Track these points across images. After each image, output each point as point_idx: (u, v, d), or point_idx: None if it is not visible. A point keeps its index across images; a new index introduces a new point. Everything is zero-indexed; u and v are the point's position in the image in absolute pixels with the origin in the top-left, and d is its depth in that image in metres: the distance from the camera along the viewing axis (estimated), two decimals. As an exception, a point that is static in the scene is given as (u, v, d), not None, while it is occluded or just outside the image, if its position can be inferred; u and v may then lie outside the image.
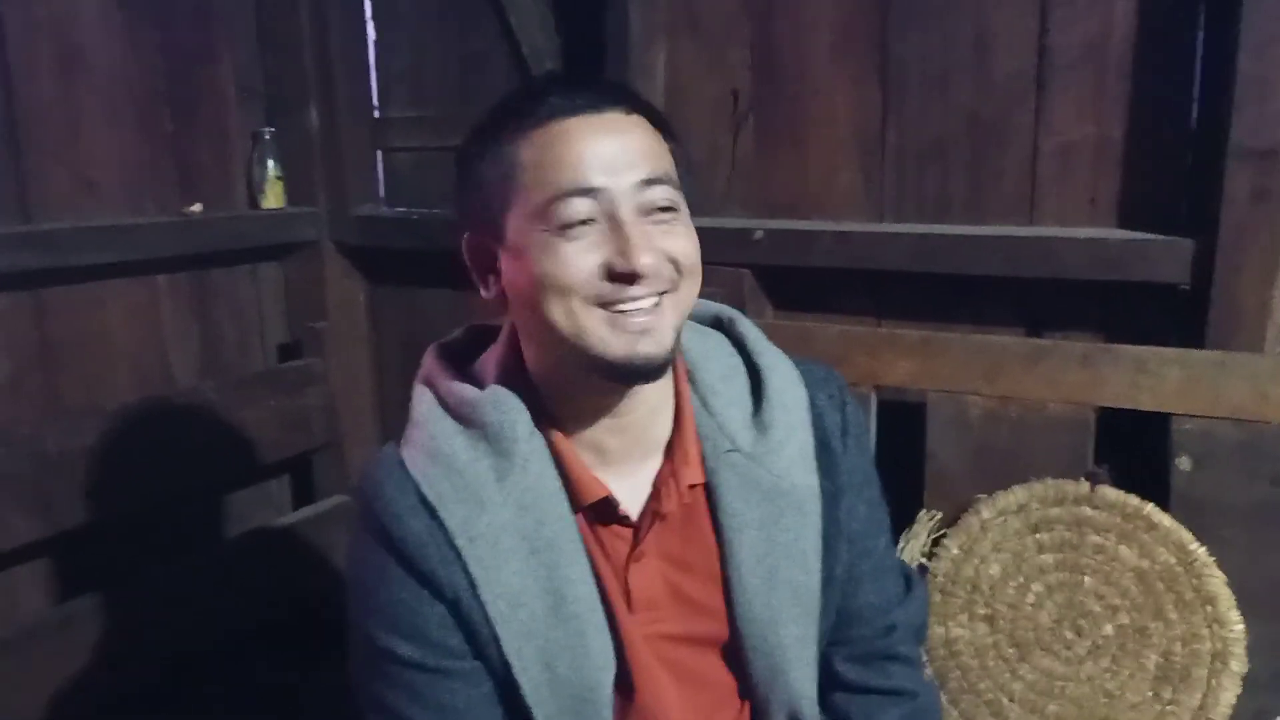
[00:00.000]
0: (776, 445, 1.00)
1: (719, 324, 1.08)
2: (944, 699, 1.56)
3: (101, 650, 1.78)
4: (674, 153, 0.96)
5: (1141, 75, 1.60)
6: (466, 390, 0.97)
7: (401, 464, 0.96)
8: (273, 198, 2.29)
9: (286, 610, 2.11)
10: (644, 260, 0.88)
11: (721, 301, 1.11)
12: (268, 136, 2.27)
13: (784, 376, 1.03)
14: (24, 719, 1.66)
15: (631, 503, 0.99)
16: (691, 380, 1.02)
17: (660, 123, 0.95)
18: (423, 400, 1.00)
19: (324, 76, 2.27)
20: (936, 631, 1.56)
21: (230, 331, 2.27)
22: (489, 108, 0.96)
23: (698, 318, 1.07)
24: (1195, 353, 1.50)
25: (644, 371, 0.91)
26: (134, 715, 1.86)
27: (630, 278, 0.88)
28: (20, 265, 1.79)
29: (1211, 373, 1.47)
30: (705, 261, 0.96)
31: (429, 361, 1.04)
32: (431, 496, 0.93)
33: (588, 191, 0.88)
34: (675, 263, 0.91)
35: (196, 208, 2.15)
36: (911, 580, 1.15)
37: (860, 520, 1.05)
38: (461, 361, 1.03)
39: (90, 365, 1.99)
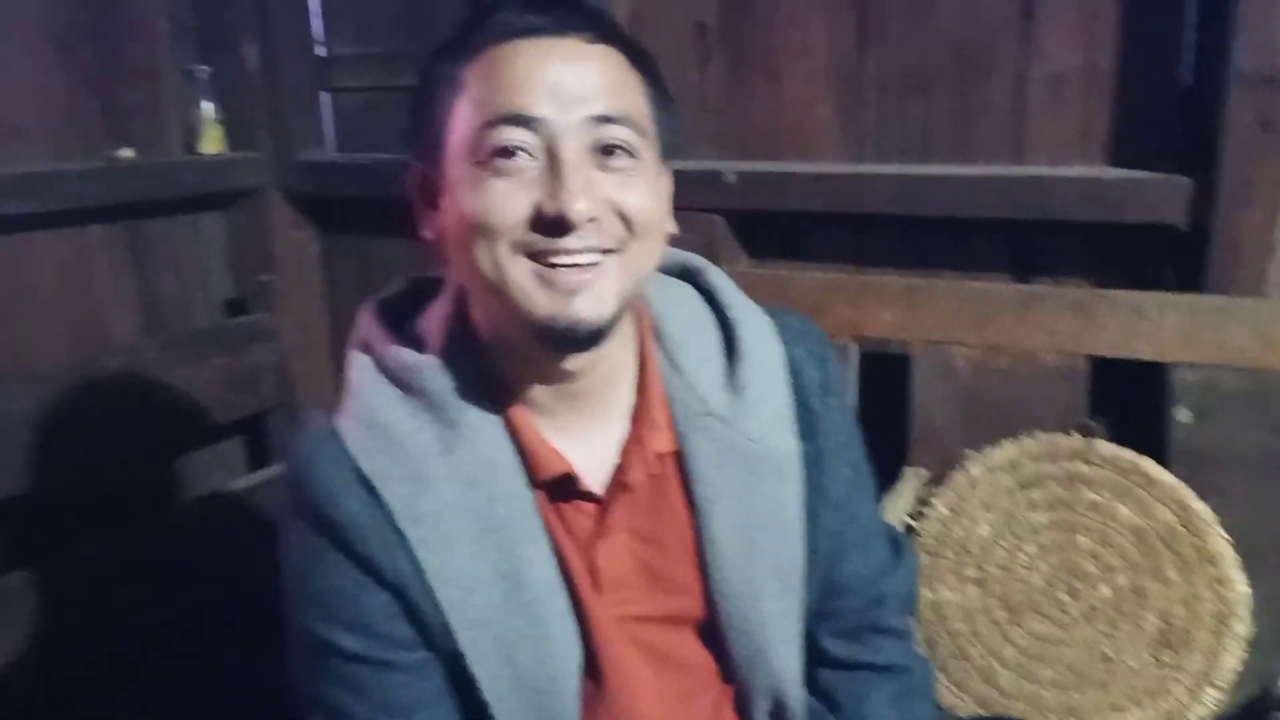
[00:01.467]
0: (752, 406, 0.91)
1: (686, 274, 0.99)
2: (934, 666, 1.51)
3: (41, 629, 1.68)
4: (651, 95, 0.85)
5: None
6: (406, 353, 0.87)
7: (335, 436, 0.86)
8: (211, 142, 2.14)
9: (239, 582, 2.02)
10: (577, 206, 0.77)
11: (691, 250, 1.00)
12: (203, 75, 2.12)
13: (759, 331, 0.94)
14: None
15: (595, 474, 0.90)
16: (658, 336, 0.93)
17: (637, 58, 0.85)
18: (359, 366, 0.89)
19: (262, 9, 2.11)
20: (924, 595, 1.49)
21: (171, 287, 2.14)
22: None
23: (663, 268, 0.96)
24: (1195, 297, 1.42)
25: (573, 338, 0.81)
26: (77, 698, 1.77)
27: (559, 225, 0.77)
28: (-66, 217, 1.65)
29: (1213, 318, 1.39)
30: (674, 207, 0.86)
31: (364, 321, 0.93)
32: (370, 472, 0.84)
33: (523, 120, 0.78)
34: (625, 218, 0.80)
35: (128, 153, 2.00)
36: (900, 546, 1.08)
37: (844, 484, 0.98)
38: (402, 319, 0.92)
39: (18, 325, 1.86)
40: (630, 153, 0.81)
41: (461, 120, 0.80)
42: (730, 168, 1.72)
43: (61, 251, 1.92)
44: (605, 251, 0.80)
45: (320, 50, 2.20)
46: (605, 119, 0.79)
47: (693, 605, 0.94)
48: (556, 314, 0.79)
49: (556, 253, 0.79)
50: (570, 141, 0.79)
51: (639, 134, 0.82)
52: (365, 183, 2.13)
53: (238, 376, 2.08)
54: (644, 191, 0.82)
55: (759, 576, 0.92)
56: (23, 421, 1.71)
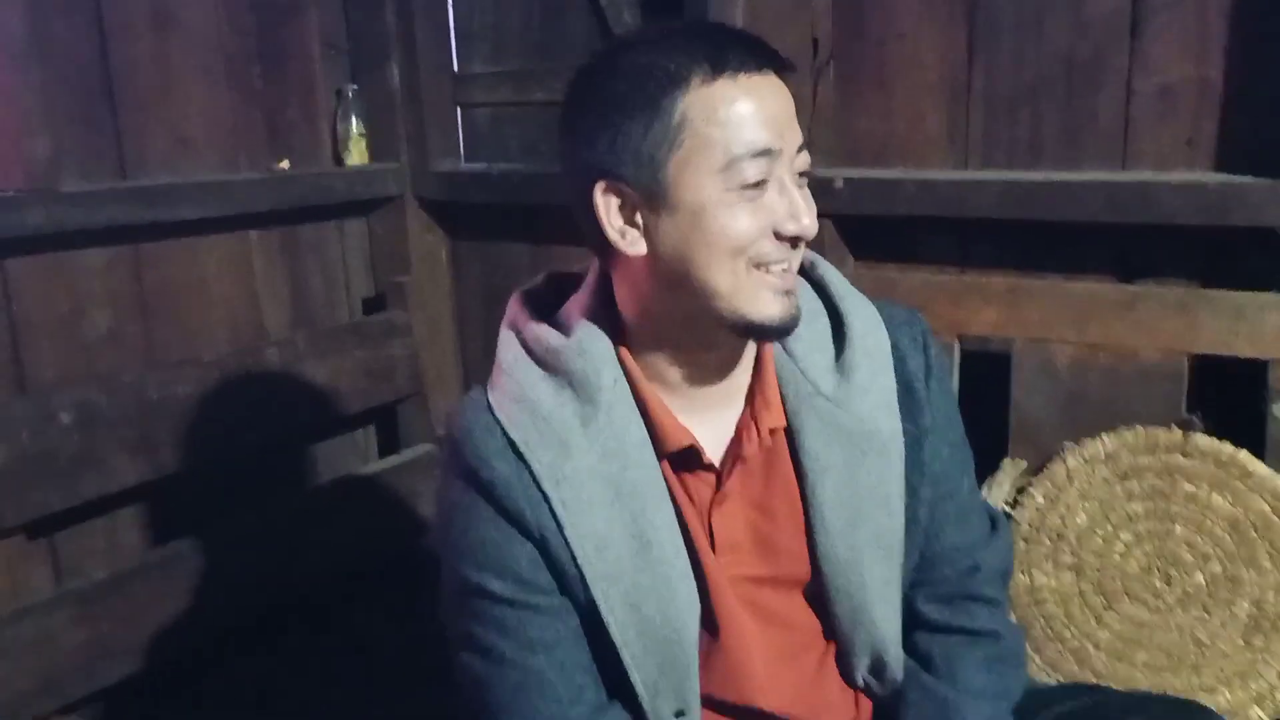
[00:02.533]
0: (859, 389, 0.99)
1: (800, 268, 1.06)
2: (1028, 646, 1.55)
3: (196, 592, 1.84)
4: None
5: (1242, 13, 1.54)
6: (551, 336, 0.98)
7: (489, 408, 0.97)
8: (357, 154, 2.33)
9: (371, 557, 2.17)
10: (808, 223, 0.89)
11: None
12: (351, 94, 2.31)
13: (866, 320, 1.02)
14: (122, 656, 1.74)
15: (714, 447, 0.99)
16: None
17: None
18: (509, 346, 1.01)
19: (405, 33, 2.30)
20: (1021, 579, 1.55)
21: (318, 285, 2.33)
22: (617, 51, 0.92)
23: None
24: (1299, 298, 1.45)
25: (788, 330, 0.93)
26: (227, 657, 1.94)
27: (796, 241, 0.90)
28: (120, 220, 1.85)
29: (1314, 318, 1.43)
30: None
31: (513, 308, 1.04)
32: (519, 440, 0.95)
33: (765, 153, 0.88)
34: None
35: (285, 164, 2.20)
36: (997, 522, 1.14)
37: (943, 462, 1.05)
38: (544, 308, 1.03)
39: (187, 316, 2.06)
40: (808, 172, 0.93)
41: (698, 151, 0.88)
42: (839, 174, 1.82)
43: (225, 252, 2.12)
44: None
45: (455, 69, 2.37)
46: (802, 147, 0.92)
47: (799, 569, 1.02)
48: (782, 314, 0.92)
49: (782, 262, 0.91)
50: (790, 169, 0.91)
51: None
52: (490, 190, 2.29)
53: (374, 368, 2.25)
54: (813, 202, 0.93)
55: (861, 544, 1.00)
56: (189, 403, 1.89)
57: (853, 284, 1.06)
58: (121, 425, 1.79)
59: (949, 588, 1.08)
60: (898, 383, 1.01)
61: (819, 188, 1.79)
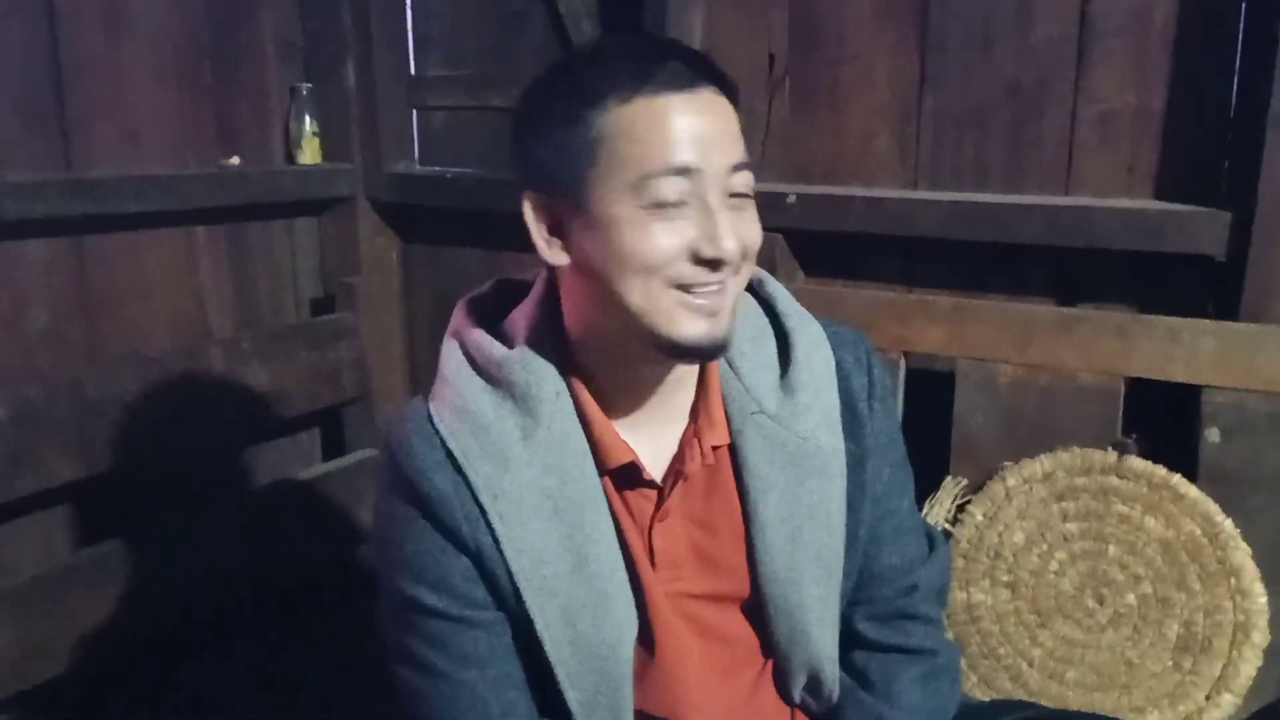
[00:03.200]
0: (803, 408, 1.00)
1: (748, 286, 1.06)
2: (963, 663, 1.58)
3: (129, 594, 1.82)
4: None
5: (1183, 45, 1.58)
6: (495, 348, 0.97)
7: (429, 418, 0.97)
8: (309, 153, 2.31)
9: (311, 563, 2.14)
10: (730, 247, 0.87)
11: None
12: (305, 92, 2.29)
13: (811, 339, 1.02)
14: (52, 656, 1.71)
15: (656, 463, 0.99)
16: None
17: (738, 101, 0.93)
18: (451, 356, 1.00)
19: (362, 34, 2.28)
20: (958, 596, 1.57)
21: (265, 284, 2.31)
22: (559, 64, 0.94)
23: None
24: (1229, 324, 1.49)
25: (709, 353, 0.92)
26: (158, 661, 1.91)
27: (715, 264, 0.87)
28: (64, 212, 1.82)
29: (1245, 345, 1.47)
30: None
31: (458, 316, 1.04)
32: (457, 453, 0.94)
33: (684, 171, 0.86)
34: (745, 248, 0.90)
35: (235, 161, 2.17)
36: (934, 541, 1.15)
37: (884, 482, 1.06)
38: (491, 317, 1.03)
39: (129, 314, 2.03)
40: (748, 194, 0.91)
41: (614, 164, 0.87)
42: (792, 190, 1.83)
43: (170, 248, 2.09)
44: (728, 278, 0.90)
45: (411, 71, 2.36)
46: (738, 166, 0.89)
47: (739, 586, 1.02)
48: (700, 335, 0.90)
49: (702, 284, 0.89)
50: (716, 188, 0.88)
51: (752, 173, 0.92)
52: (444, 194, 2.28)
53: (320, 370, 2.22)
54: (755, 224, 0.93)
55: (801, 562, 1.01)
56: (129, 402, 1.85)
57: (802, 300, 1.06)
58: (59, 423, 1.76)
59: (886, 606, 1.09)
60: (841, 402, 1.02)
61: (770, 202, 1.82)
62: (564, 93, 0.90)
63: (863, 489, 1.03)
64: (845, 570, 1.04)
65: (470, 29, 2.27)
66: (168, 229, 2.07)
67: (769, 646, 1.05)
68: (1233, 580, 1.42)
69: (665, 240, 0.87)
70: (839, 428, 1.02)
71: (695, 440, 0.99)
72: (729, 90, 0.91)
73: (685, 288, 0.89)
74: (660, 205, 0.87)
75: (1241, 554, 1.42)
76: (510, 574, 0.95)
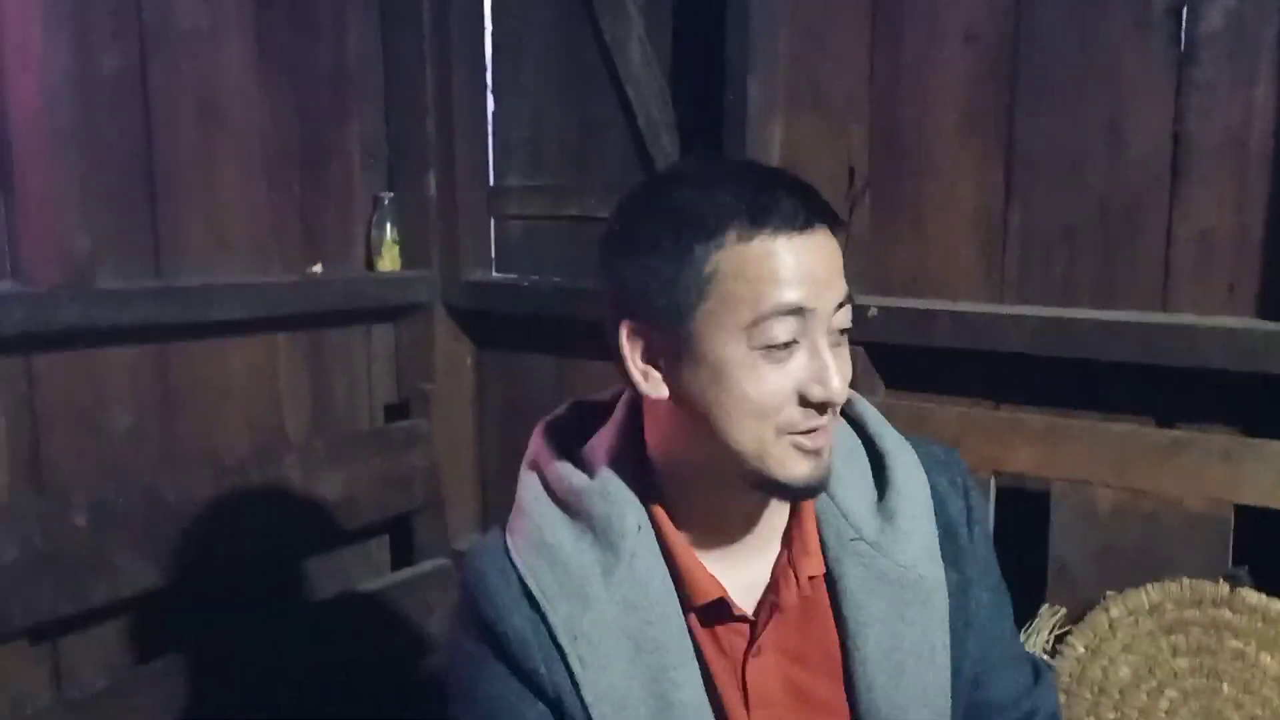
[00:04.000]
0: (903, 534, 0.96)
1: None
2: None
3: (195, 704, 1.78)
4: None
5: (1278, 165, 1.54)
6: (574, 478, 0.95)
7: (506, 553, 0.94)
8: (388, 260, 2.35)
9: (378, 675, 2.10)
10: (838, 388, 0.85)
11: None
12: (387, 201, 2.34)
13: (907, 462, 0.99)
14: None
15: (748, 594, 0.96)
16: None
17: (839, 234, 0.91)
18: (529, 487, 0.98)
19: (444, 143, 2.33)
20: (1060, 735, 1.48)
21: (341, 389, 2.32)
22: (661, 188, 0.91)
23: None
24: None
25: (814, 492, 0.90)
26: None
27: (824, 407, 0.86)
28: (153, 319, 1.86)
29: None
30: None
31: (536, 443, 1.01)
32: (535, 590, 0.91)
33: (796, 312, 0.84)
34: (847, 385, 0.89)
35: (318, 268, 2.21)
36: (1039, 668, 1.10)
37: (986, 607, 1.01)
38: (569, 442, 1.00)
39: (209, 416, 2.04)
40: (849, 327, 0.89)
41: (727, 302, 0.84)
42: (874, 303, 1.81)
43: (251, 353, 2.12)
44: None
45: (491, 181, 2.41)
46: (842, 304, 0.88)
47: None
48: (808, 476, 0.88)
49: (814, 429, 0.87)
50: (823, 327, 0.86)
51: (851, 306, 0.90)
52: (521, 302, 2.29)
53: (392, 476, 2.21)
54: (850, 361, 0.90)
55: (906, 701, 0.95)
56: (203, 506, 1.86)
57: (886, 413, 1.03)
58: (134, 526, 1.76)
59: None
60: (939, 527, 0.98)
61: (858, 318, 1.79)
62: (670, 223, 0.87)
63: (966, 619, 0.98)
64: (952, 709, 0.98)
65: (549, 139, 2.31)
66: (250, 335, 2.09)
67: None
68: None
69: (776, 384, 0.85)
70: (939, 555, 0.97)
71: (790, 570, 0.95)
72: (835, 225, 0.89)
73: (796, 432, 0.86)
74: (772, 347, 0.85)
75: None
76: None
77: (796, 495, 0.90)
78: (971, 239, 1.81)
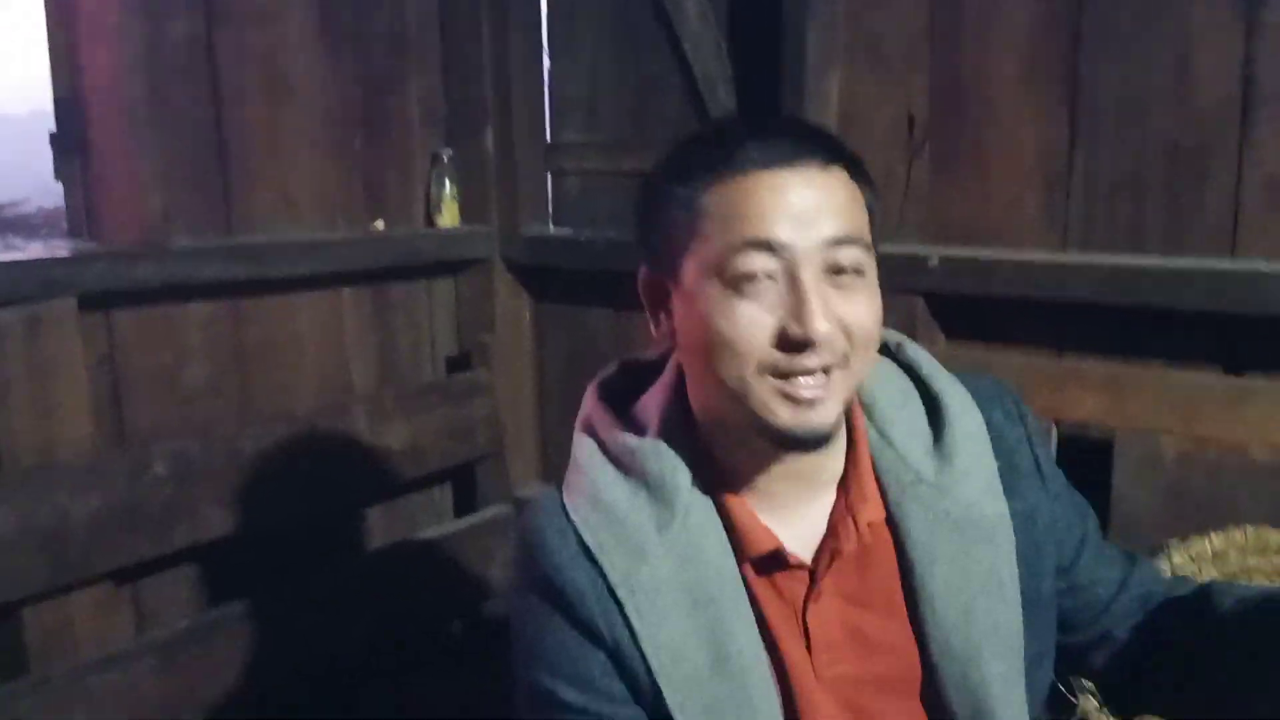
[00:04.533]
0: (961, 474, 0.96)
1: (885, 350, 1.04)
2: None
3: (267, 648, 1.85)
4: (870, 205, 0.92)
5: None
6: (628, 437, 0.96)
7: (563, 510, 0.96)
8: (448, 216, 2.38)
9: (443, 619, 2.16)
10: (819, 327, 0.84)
11: (891, 329, 1.06)
12: (446, 159, 2.37)
13: (961, 400, 0.99)
14: (198, 706, 1.76)
15: (806, 542, 0.96)
16: (867, 412, 0.99)
17: (861, 174, 0.91)
18: (584, 446, 0.99)
19: (502, 101, 2.35)
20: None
21: (405, 343, 2.37)
22: (677, 142, 0.94)
23: None
24: None
25: (806, 443, 0.89)
26: (297, 711, 1.92)
27: (804, 345, 0.85)
28: (225, 275, 1.91)
29: None
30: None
31: (589, 404, 1.02)
32: (593, 545, 0.92)
33: (767, 246, 0.85)
34: (849, 333, 0.87)
35: (379, 224, 2.25)
36: (1132, 556, 1.09)
37: (1062, 517, 1.02)
38: (621, 401, 1.01)
39: (280, 370, 2.11)
40: (858, 270, 0.88)
41: (704, 242, 0.87)
42: (934, 252, 1.80)
43: (319, 309, 2.17)
44: (833, 369, 0.87)
45: (548, 137, 2.43)
46: (839, 241, 0.87)
47: (904, 668, 0.97)
48: (796, 424, 0.87)
49: (797, 372, 0.86)
50: (809, 263, 0.86)
51: (866, 250, 0.89)
52: (576, 256, 2.32)
53: (456, 426, 2.27)
54: (867, 307, 0.89)
55: (978, 637, 0.95)
56: (279, 457, 1.92)
57: (947, 364, 1.03)
58: (213, 477, 1.83)
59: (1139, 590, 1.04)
60: (998, 460, 0.98)
61: (910, 265, 1.79)
62: (674, 170, 0.91)
63: (1037, 548, 0.99)
64: (1026, 642, 0.98)
65: (606, 95, 2.32)
66: (317, 290, 2.15)
67: None
68: None
69: (748, 319, 0.85)
70: (1000, 491, 0.97)
71: (848, 516, 0.95)
72: (844, 163, 0.89)
73: (778, 374, 0.86)
74: (742, 281, 0.85)
75: None
76: (649, 670, 0.92)
77: (787, 443, 0.89)
78: (1034, 187, 1.80)
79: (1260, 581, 1.44)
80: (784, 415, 0.87)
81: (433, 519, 2.41)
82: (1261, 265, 1.56)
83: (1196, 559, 1.48)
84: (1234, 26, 1.59)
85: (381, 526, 2.30)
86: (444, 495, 2.47)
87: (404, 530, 2.30)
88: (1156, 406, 1.56)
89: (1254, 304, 1.52)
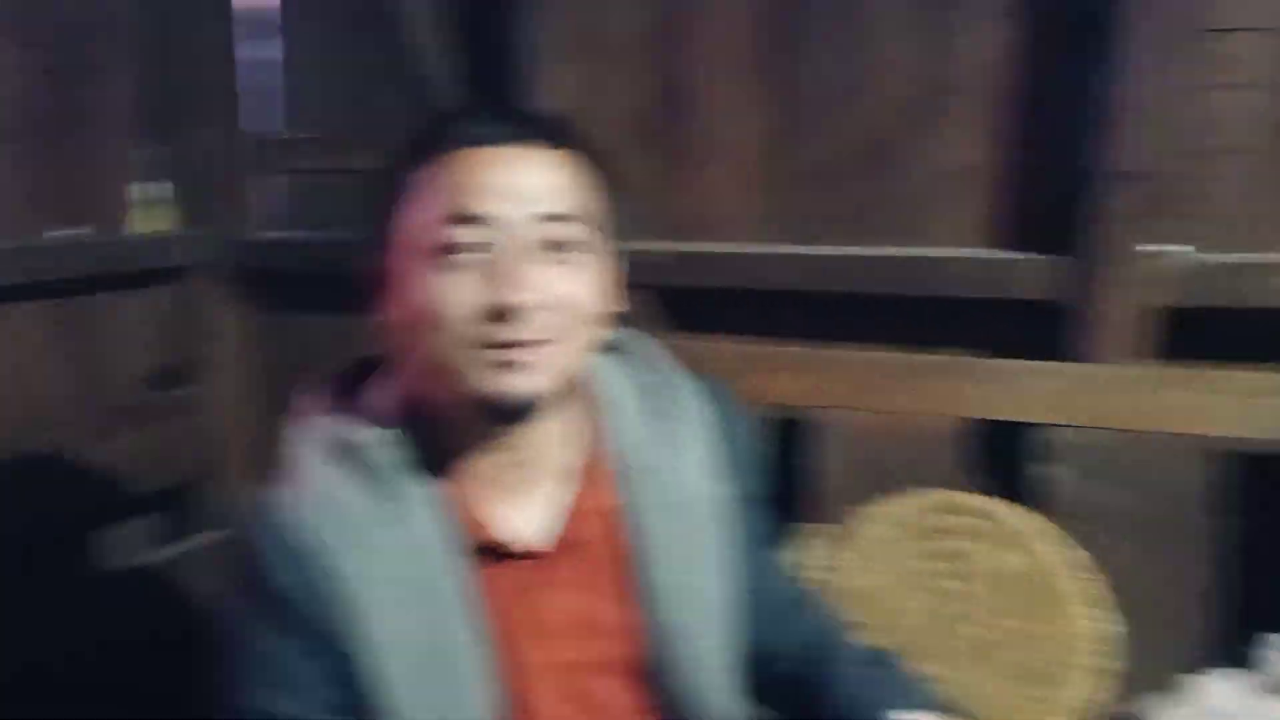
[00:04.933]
0: (684, 461, 1.01)
1: (622, 345, 1.08)
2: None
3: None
4: (604, 191, 0.94)
5: (1025, 104, 1.66)
6: (350, 431, 0.94)
7: (280, 508, 0.92)
8: (160, 220, 2.22)
9: (154, 646, 1.99)
10: (520, 298, 0.85)
11: (630, 322, 1.09)
12: (158, 157, 2.21)
13: (688, 391, 1.04)
14: None
15: (539, 532, 0.97)
16: (600, 403, 1.02)
17: (587, 159, 0.94)
18: (302, 440, 0.96)
19: (225, 96, 2.22)
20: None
21: (111, 357, 2.16)
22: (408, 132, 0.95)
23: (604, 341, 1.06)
24: (1066, 365, 1.56)
25: (513, 411, 0.89)
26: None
27: (505, 313, 0.85)
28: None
29: (1086, 385, 1.53)
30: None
31: (310, 398, 1.00)
32: (311, 543, 0.89)
33: (469, 218, 0.86)
34: (563, 308, 0.88)
35: (84, 230, 2.06)
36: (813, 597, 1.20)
37: (763, 525, 1.10)
38: (349, 396, 0.99)
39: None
40: (577, 248, 0.90)
41: (411, 219, 0.89)
42: (659, 247, 1.86)
43: (10, 321, 1.93)
44: (546, 341, 0.88)
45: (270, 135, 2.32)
46: (553, 216, 0.88)
47: (629, 650, 1.00)
48: (502, 389, 0.87)
49: (504, 343, 0.86)
50: (518, 237, 0.87)
51: (585, 229, 0.91)
52: (303, 260, 2.21)
53: (168, 447, 2.11)
54: (585, 283, 0.91)
55: (697, 617, 1.00)
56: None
57: (674, 355, 1.08)
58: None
59: (809, 635, 1.11)
60: (724, 449, 1.04)
61: (642, 261, 1.80)
62: (395, 157, 0.93)
63: (749, 532, 1.05)
64: (741, 621, 1.04)
65: (337, 90, 2.24)
66: (8, 304, 1.92)
67: (667, 713, 1.02)
68: (1071, 607, 1.46)
69: (450, 292, 0.86)
70: (726, 478, 1.03)
71: (581, 504, 0.98)
72: (567, 146, 0.91)
73: (489, 347, 0.87)
74: (442, 253, 0.86)
75: (1071, 581, 1.47)
76: (368, 671, 0.90)
77: (494, 412, 0.90)
78: (748, 181, 1.86)
79: (934, 541, 1.56)
80: (489, 380, 0.87)
81: (140, 547, 2.20)
82: (940, 251, 1.69)
83: (875, 523, 1.59)
84: (923, 24, 1.70)
85: (91, 555, 2.07)
86: (153, 520, 2.27)
87: (107, 560, 2.08)
88: (848, 385, 1.67)
89: (933, 287, 1.64)
